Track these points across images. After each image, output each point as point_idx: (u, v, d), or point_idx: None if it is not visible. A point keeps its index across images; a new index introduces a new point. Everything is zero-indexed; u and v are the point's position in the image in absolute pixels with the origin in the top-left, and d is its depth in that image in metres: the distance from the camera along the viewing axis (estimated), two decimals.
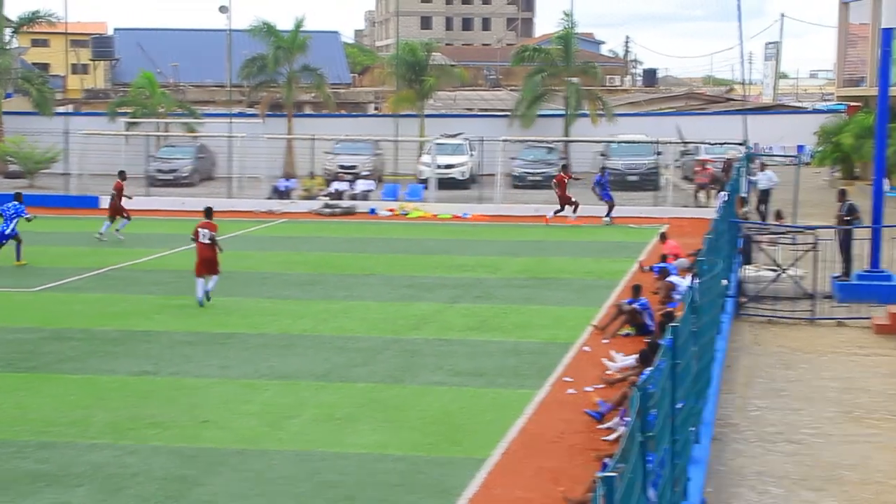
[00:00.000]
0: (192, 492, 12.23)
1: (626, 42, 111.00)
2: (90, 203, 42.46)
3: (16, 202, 28.57)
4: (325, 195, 43.04)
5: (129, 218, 33.38)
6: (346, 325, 21.10)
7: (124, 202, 33.78)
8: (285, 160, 51.92)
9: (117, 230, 33.10)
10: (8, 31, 54.86)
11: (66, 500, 11.93)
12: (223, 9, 50.64)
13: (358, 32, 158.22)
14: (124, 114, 54.74)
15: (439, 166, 45.37)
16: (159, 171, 48.92)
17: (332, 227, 37.06)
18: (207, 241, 22.79)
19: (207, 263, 22.70)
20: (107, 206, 34.57)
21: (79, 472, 12.78)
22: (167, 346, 19.10)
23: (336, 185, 44.16)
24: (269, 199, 42.71)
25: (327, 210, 41.07)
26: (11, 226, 27.88)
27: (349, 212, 41.28)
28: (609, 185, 38.50)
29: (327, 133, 50.01)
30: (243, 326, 20.82)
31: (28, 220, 28.22)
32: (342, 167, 48.46)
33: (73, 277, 26.27)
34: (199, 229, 22.98)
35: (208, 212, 23.94)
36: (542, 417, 15.11)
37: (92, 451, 13.49)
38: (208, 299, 22.74)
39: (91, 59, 79.44)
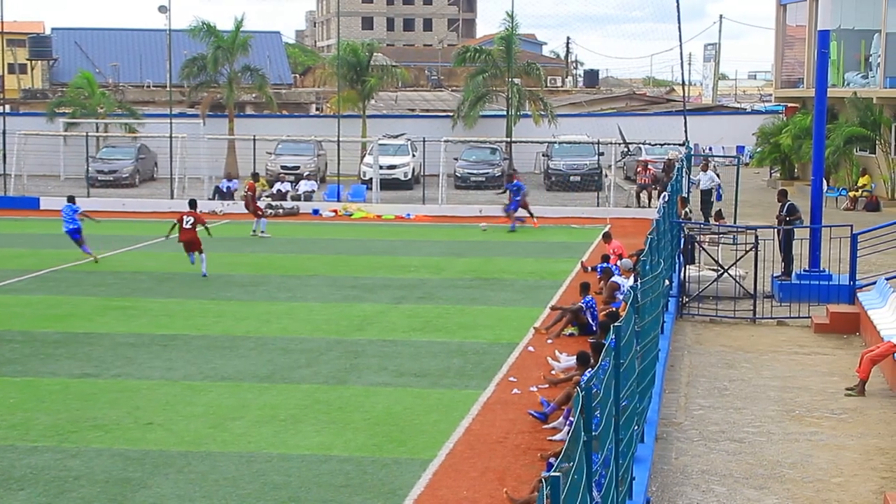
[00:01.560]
0: (136, 494, 12.14)
1: (568, 43, 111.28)
2: (30, 204, 41.96)
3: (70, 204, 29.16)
4: (268, 196, 42.85)
5: (265, 216, 35.32)
6: (289, 326, 21.04)
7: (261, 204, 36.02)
8: (227, 161, 51.62)
9: (261, 232, 34.31)
10: None
11: None
12: (162, 8, 50.16)
13: (299, 33, 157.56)
14: (63, 114, 54.14)
15: (382, 167, 45.33)
16: (100, 171, 48.44)
17: (274, 227, 36.90)
18: (189, 227, 26.50)
19: (189, 244, 26.56)
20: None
21: (20, 475, 12.63)
22: (109, 348, 18.94)
23: (278, 186, 43.98)
24: (212, 199, 42.46)
25: (270, 211, 40.85)
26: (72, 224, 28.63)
27: (292, 212, 41.12)
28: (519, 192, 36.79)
29: (269, 133, 49.79)
30: (186, 328, 20.71)
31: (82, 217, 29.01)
32: (284, 168, 48.29)
33: (13, 279, 25.95)
34: (185, 216, 26.74)
35: (193, 203, 28.40)
36: (487, 418, 15.16)
37: (33, 454, 13.35)
38: (204, 275, 26.17)
39: (28, 59, 78.46)
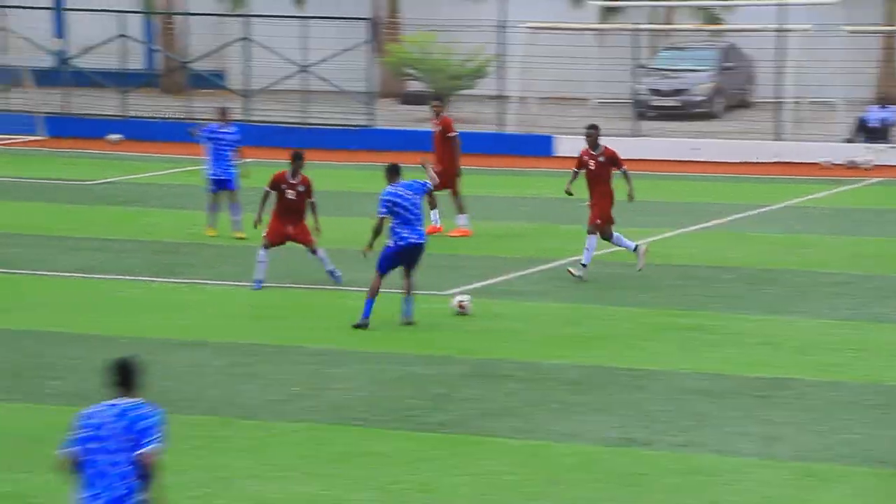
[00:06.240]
0: None
1: None
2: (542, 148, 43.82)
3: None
4: None
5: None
6: None
7: None
8: (881, 73, 51.50)
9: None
10: None
11: None
12: None
13: None
14: None
15: None
16: (654, 92, 49.87)
17: None
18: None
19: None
20: None
21: None
22: (665, 395, 19.25)
23: None
24: (850, 141, 42.44)
25: None
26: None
27: None
28: None
29: None
30: (800, 367, 20.69)
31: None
32: None
33: (512, 273, 27.02)
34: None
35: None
36: None
37: None
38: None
39: None
